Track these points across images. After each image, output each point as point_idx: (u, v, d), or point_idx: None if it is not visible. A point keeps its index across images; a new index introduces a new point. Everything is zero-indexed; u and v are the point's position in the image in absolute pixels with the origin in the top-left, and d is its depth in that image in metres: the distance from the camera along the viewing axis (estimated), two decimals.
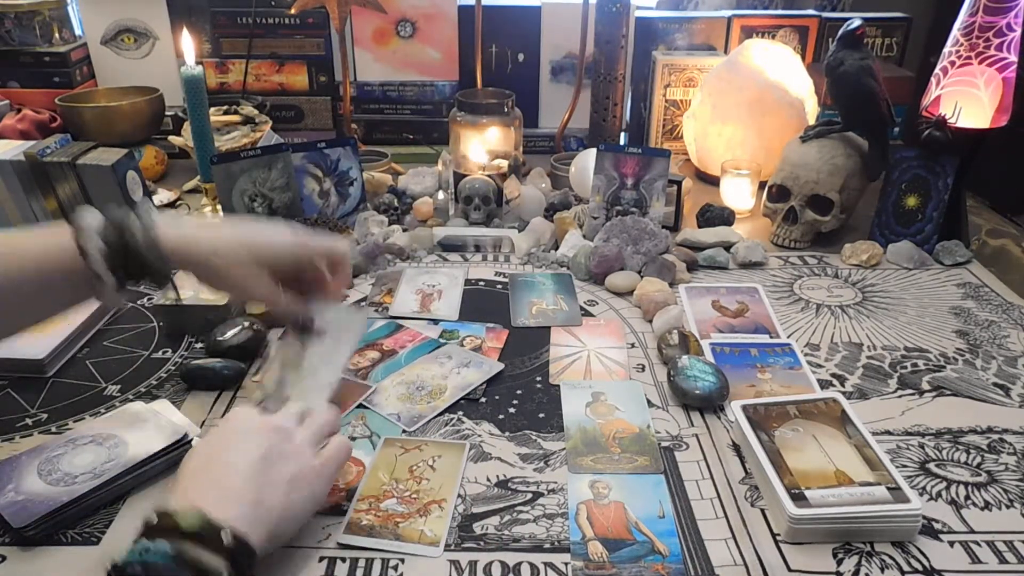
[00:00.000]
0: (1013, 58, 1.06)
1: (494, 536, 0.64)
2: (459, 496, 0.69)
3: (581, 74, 1.48)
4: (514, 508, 0.68)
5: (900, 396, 0.83)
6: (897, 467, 0.68)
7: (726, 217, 1.22)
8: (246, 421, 0.61)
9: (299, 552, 0.62)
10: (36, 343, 0.86)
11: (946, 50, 1.11)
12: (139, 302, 1.01)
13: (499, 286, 1.06)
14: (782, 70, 1.34)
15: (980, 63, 1.07)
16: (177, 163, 1.47)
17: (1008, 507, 0.68)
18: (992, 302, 1.03)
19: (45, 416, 0.79)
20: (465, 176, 1.23)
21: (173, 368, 0.87)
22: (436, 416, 0.79)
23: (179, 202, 1.33)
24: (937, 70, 1.12)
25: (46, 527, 0.63)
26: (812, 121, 1.35)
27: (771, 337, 0.94)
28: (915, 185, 1.15)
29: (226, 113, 1.39)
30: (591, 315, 1.00)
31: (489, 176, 1.22)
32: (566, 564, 0.62)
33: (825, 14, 1.55)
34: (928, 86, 1.14)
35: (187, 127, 1.31)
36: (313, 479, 0.60)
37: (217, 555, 0.49)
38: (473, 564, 0.62)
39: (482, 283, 1.07)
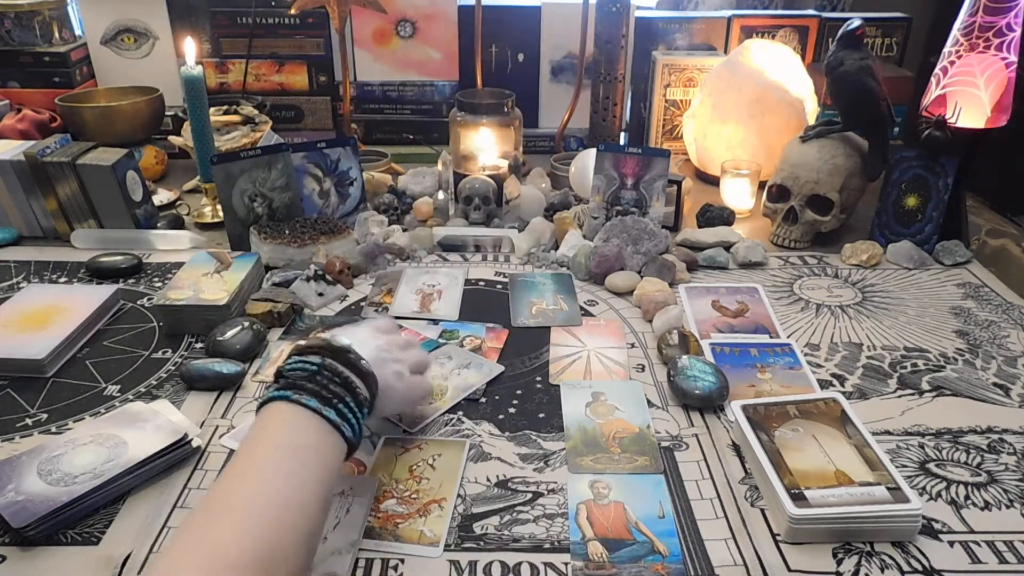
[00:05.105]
0: (1013, 58, 1.06)
1: (494, 536, 0.64)
2: (459, 496, 0.69)
3: (581, 74, 1.48)
4: (514, 508, 0.68)
5: (900, 396, 0.83)
6: (897, 467, 0.69)
7: (726, 217, 1.23)
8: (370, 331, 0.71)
9: None
10: (36, 343, 0.86)
11: (946, 50, 1.11)
12: (139, 302, 1.01)
13: (499, 286, 1.06)
14: (782, 70, 1.34)
15: (980, 63, 1.07)
16: (177, 163, 1.48)
17: (1008, 507, 0.68)
18: (992, 302, 1.03)
19: (45, 416, 0.79)
20: (465, 176, 1.23)
21: (173, 368, 0.87)
22: (436, 416, 0.79)
23: (179, 202, 1.33)
24: (937, 70, 1.12)
25: (46, 527, 0.63)
26: (812, 121, 1.35)
27: (771, 337, 0.94)
28: (915, 185, 1.15)
29: (226, 113, 1.39)
30: (591, 315, 1.00)
31: (489, 176, 1.22)
32: (566, 564, 0.62)
33: (825, 14, 1.55)
34: (928, 86, 1.14)
35: (187, 127, 1.31)
36: (407, 386, 0.70)
37: (358, 375, 0.63)
38: (473, 564, 0.62)
39: (482, 283, 1.07)
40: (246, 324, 0.90)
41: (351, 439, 0.61)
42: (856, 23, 1.10)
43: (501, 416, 0.80)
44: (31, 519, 0.62)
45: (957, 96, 1.09)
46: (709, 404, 0.80)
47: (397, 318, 0.97)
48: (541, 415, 0.80)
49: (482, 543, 0.64)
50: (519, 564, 0.62)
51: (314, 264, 1.05)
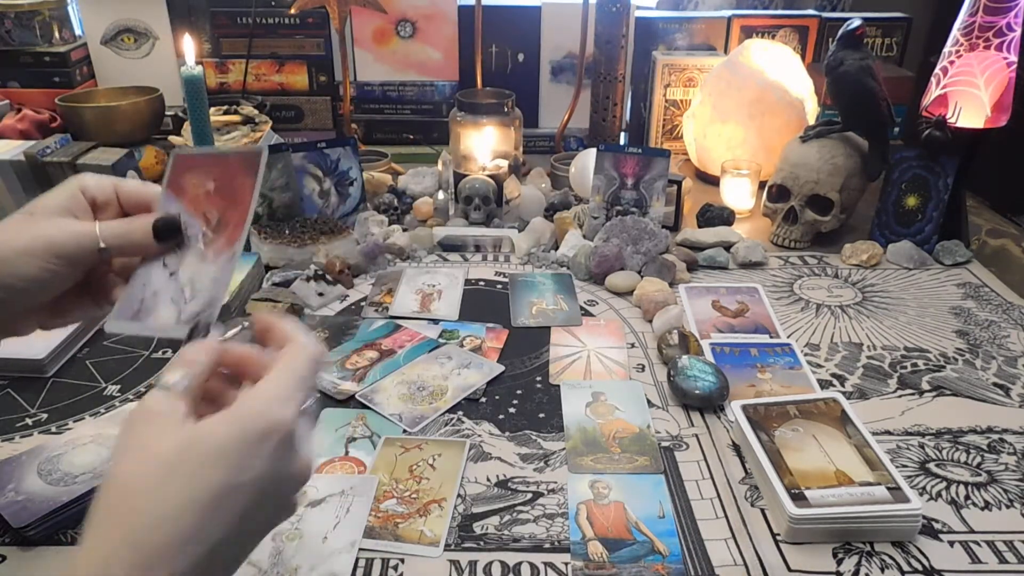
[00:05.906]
0: (1013, 58, 1.06)
1: (494, 536, 0.65)
2: (459, 496, 0.69)
3: (581, 74, 1.47)
4: (514, 508, 0.68)
5: (900, 396, 0.83)
6: (897, 467, 0.69)
7: (726, 217, 1.22)
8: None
9: None
10: (36, 343, 0.86)
11: (946, 50, 1.11)
12: None
13: (499, 286, 1.06)
14: (782, 70, 1.34)
15: (980, 63, 1.07)
16: None
17: (1008, 507, 0.68)
18: (992, 302, 1.03)
19: (45, 416, 0.79)
20: (465, 176, 1.23)
21: None
22: (436, 416, 0.79)
23: None
24: (937, 70, 1.12)
25: (46, 527, 0.63)
26: (812, 121, 1.35)
27: (771, 337, 0.94)
28: (915, 185, 1.15)
29: (226, 113, 1.39)
30: (591, 315, 0.99)
31: (489, 176, 1.22)
32: (566, 564, 0.62)
33: (825, 14, 1.55)
34: (928, 86, 1.14)
35: (187, 127, 1.31)
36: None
37: None
38: (473, 564, 0.62)
39: (482, 283, 1.07)
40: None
41: None
42: (856, 23, 1.10)
43: (501, 416, 0.80)
44: (31, 519, 0.62)
45: (957, 96, 1.09)
46: (709, 404, 0.80)
47: (397, 318, 0.97)
48: (541, 415, 0.80)
49: (482, 543, 0.64)
50: (519, 564, 0.62)
51: (314, 264, 1.05)
